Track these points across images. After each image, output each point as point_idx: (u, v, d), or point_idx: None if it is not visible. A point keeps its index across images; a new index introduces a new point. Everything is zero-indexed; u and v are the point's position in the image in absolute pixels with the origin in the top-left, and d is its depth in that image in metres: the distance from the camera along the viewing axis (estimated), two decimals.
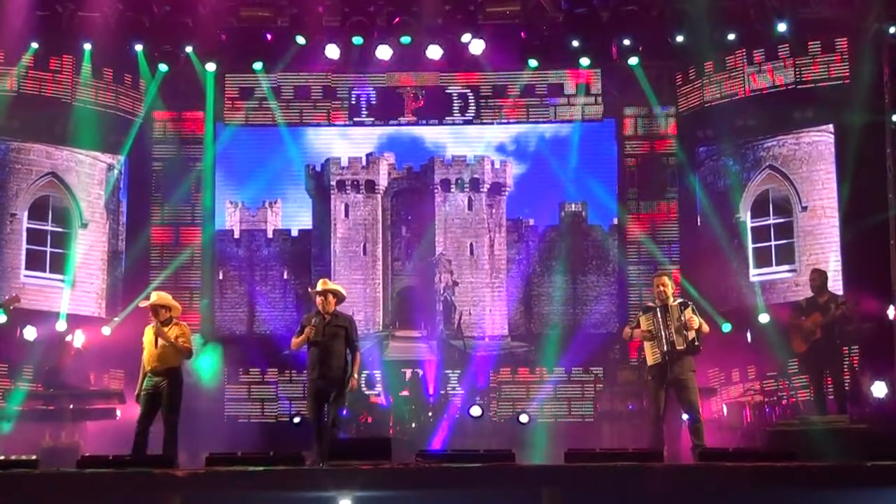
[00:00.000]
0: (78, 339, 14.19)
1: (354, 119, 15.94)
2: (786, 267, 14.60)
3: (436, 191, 15.95)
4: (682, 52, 14.74)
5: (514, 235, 15.92)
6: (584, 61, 15.07)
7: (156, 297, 10.62)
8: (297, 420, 14.01)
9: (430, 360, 15.36)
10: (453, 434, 13.61)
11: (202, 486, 7.87)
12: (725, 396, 14.27)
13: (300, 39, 14.48)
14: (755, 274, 14.70)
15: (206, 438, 12.59)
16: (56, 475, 8.31)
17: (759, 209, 14.87)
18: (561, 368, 15.21)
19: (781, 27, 13.85)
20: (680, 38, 14.39)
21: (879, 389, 12.35)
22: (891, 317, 12.78)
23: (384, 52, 14.77)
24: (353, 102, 15.88)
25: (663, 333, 10.60)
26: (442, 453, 10.25)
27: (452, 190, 15.94)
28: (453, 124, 15.97)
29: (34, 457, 9.00)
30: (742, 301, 14.59)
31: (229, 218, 15.90)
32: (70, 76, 14.81)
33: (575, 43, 14.71)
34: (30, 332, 13.96)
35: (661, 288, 10.79)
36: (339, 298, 10.61)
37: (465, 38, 14.48)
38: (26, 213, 14.75)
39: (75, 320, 14.44)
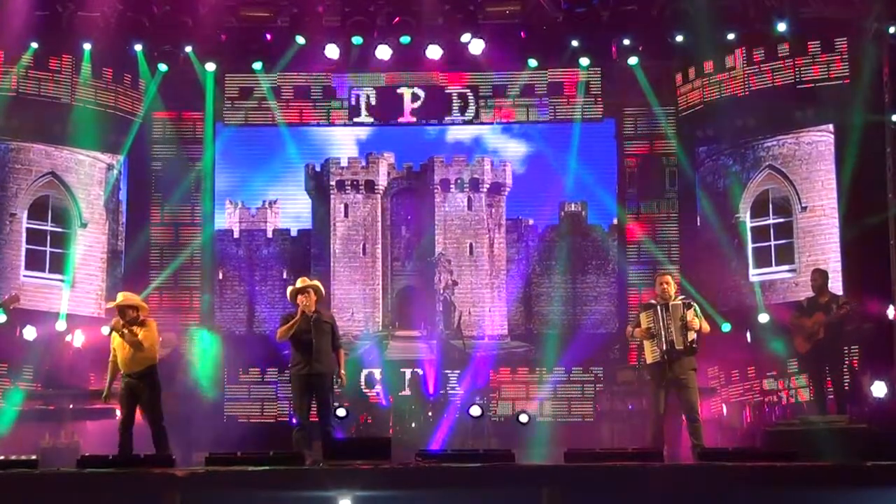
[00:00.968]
0: (78, 339, 14.19)
1: (354, 119, 15.94)
2: (785, 267, 14.60)
3: (435, 191, 15.94)
4: (682, 52, 14.73)
5: (513, 235, 15.92)
6: (584, 61, 15.07)
7: (122, 297, 10.73)
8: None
9: (430, 360, 15.35)
10: (453, 434, 13.60)
11: (202, 486, 7.87)
12: (725, 396, 14.27)
13: (300, 39, 14.48)
14: (755, 274, 14.70)
15: (206, 438, 12.61)
16: (56, 475, 8.31)
17: (758, 209, 14.86)
18: (561, 368, 15.20)
19: (781, 27, 13.83)
20: (680, 38, 14.38)
21: (879, 389, 12.34)
22: (891, 317, 12.78)
23: (384, 52, 14.77)
24: (353, 102, 15.88)
25: (663, 333, 10.60)
26: (442, 453, 10.25)
27: (452, 190, 15.94)
28: (453, 124, 15.97)
29: (34, 457, 9.01)
30: (742, 301, 14.59)
31: (229, 218, 15.90)
32: (70, 76, 14.80)
33: (575, 43, 14.71)
34: (29, 332, 13.95)
35: (664, 286, 10.79)
36: (320, 295, 10.66)
37: (465, 37, 14.47)
38: (26, 213, 14.75)
39: (75, 320, 14.43)
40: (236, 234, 15.91)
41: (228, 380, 15.27)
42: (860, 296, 12.71)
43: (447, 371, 15.26)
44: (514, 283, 15.76)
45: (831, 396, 12.21)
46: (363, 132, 16.02)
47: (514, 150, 15.91)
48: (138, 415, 10.57)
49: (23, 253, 14.63)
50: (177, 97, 15.51)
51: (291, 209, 15.97)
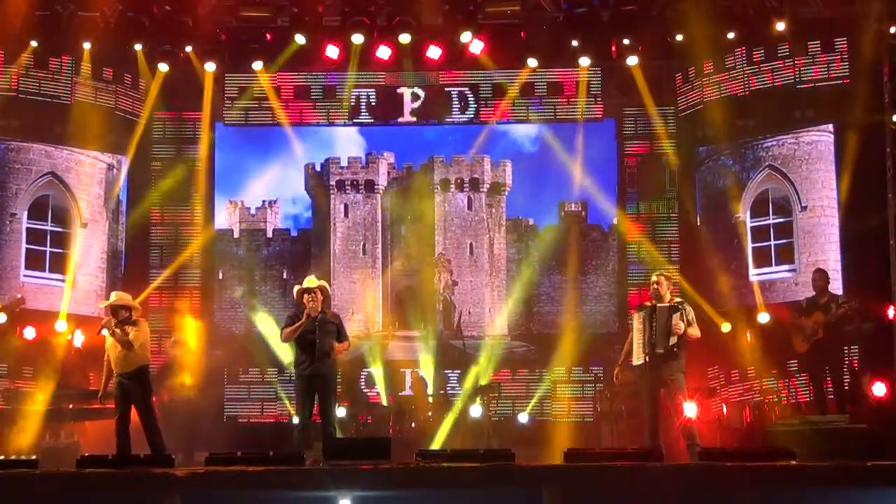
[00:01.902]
0: (78, 338, 14.18)
1: (354, 119, 15.94)
2: (785, 267, 14.60)
3: (435, 190, 15.95)
4: (682, 52, 14.73)
5: (513, 235, 15.93)
6: (584, 61, 15.07)
7: (114, 297, 10.79)
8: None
9: (430, 360, 15.36)
10: (453, 434, 13.60)
11: (202, 486, 7.87)
12: (725, 396, 14.26)
13: (300, 39, 14.48)
14: (755, 274, 14.70)
15: (206, 438, 12.60)
16: (56, 475, 8.30)
17: (758, 209, 14.86)
18: (561, 368, 15.21)
19: (781, 27, 13.83)
20: (680, 38, 14.38)
21: (879, 389, 12.34)
22: (891, 317, 12.78)
23: (384, 52, 14.77)
24: (353, 102, 15.88)
25: (646, 335, 10.62)
26: (442, 453, 10.24)
27: (452, 189, 15.94)
28: (453, 124, 15.97)
29: (34, 457, 9.00)
30: (742, 301, 14.57)
31: (229, 218, 15.91)
32: (70, 76, 14.81)
33: (575, 43, 14.71)
34: (30, 332, 13.95)
35: (655, 287, 10.85)
36: (326, 296, 10.70)
37: (465, 37, 14.47)
38: (26, 213, 14.75)
39: (75, 320, 14.42)
40: (236, 234, 15.91)
41: (228, 380, 15.28)
42: (860, 296, 12.70)
43: (447, 371, 15.26)
44: (514, 284, 15.77)
45: (831, 396, 12.21)
46: (363, 132, 16.02)
47: (515, 149, 15.91)
48: (134, 414, 10.61)
49: (23, 253, 14.63)
50: (177, 97, 15.51)
51: (291, 209, 15.98)
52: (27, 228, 14.73)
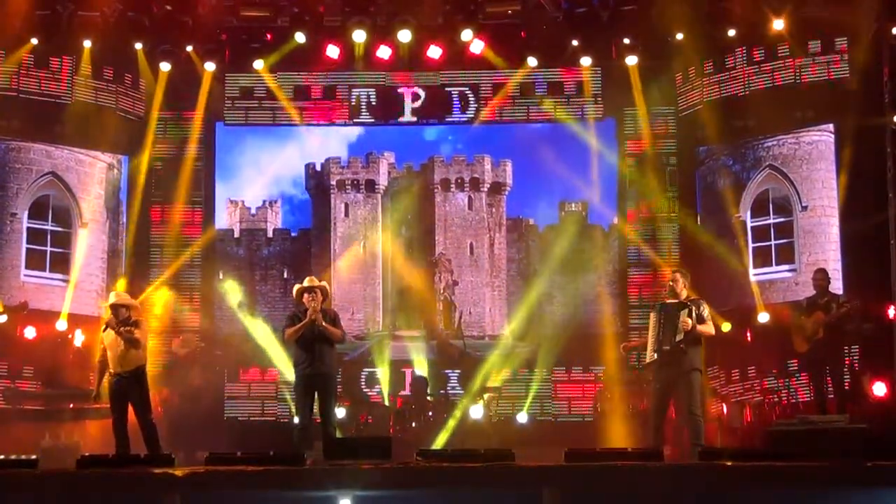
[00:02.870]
0: (78, 338, 14.18)
1: (354, 119, 15.94)
2: (785, 267, 14.60)
3: (436, 190, 15.95)
4: (682, 52, 14.73)
5: (514, 235, 15.93)
6: (585, 61, 15.07)
7: (114, 296, 10.76)
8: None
9: (430, 359, 15.36)
10: (453, 434, 13.60)
11: (202, 486, 7.86)
12: (725, 396, 14.26)
13: (300, 38, 14.47)
14: (755, 273, 14.70)
15: (206, 438, 12.60)
16: (56, 475, 8.30)
17: (758, 209, 14.86)
18: (561, 368, 15.21)
19: (781, 27, 13.83)
20: (680, 38, 14.37)
21: (879, 389, 12.34)
22: (891, 316, 12.78)
23: (384, 52, 14.78)
24: (353, 102, 15.88)
25: (656, 331, 10.64)
26: (442, 453, 10.23)
27: (452, 189, 15.94)
28: (453, 124, 15.97)
29: (34, 457, 8.99)
30: (742, 301, 14.57)
31: (229, 218, 15.91)
32: (70, 76, 14.81)
33: (575, 43, 14.72)
34: (30, 332, 13.95)
35: (671, 284, 10.83)
36: (326, 295, 10.69)
37: (465, 37, 14.47)
38: (26, 213, 14.75)
39: (75, 320, 14.43)
40: (236, 234, 15.92)
41: (228, 379, 15.28)
42: (860, 296, 12.69)
43: (447, 371, 15.27)
44: (514, 283, 15.77)
45: (831, 396, 12.20)
46: (363, 132, 16.02)
47: (515, 149, 15.91)
48: (130, 412, 10.61)
49: (23, 253, 14.63)
50: (177, 97, 15.51)
51: (292, 209, 15.99)
52: (28, 228, 14.73)
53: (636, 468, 8.24)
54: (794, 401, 13.36)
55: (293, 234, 15.97)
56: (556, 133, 15.76)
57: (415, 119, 15.94)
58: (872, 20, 13.29)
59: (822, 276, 12.44)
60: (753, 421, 13.19)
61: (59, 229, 14.94)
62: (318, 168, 15.99)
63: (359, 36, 14.41)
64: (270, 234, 15.92)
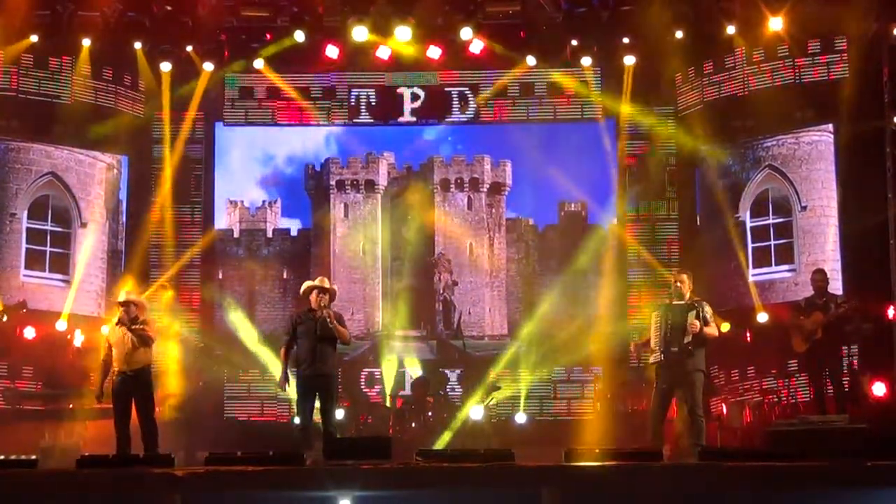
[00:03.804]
0: (78, 338, 14.18)
1: (354, 119, 15.94)
2: (785, 267, 14.60)
3: (435, 190, 15.95)
4: (682, 52, 14.73)
5: (513, 235, 15.93)
6: (585, 61, 15.07)
7: (125, 294, 10.74)
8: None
9: (430, 359, 15.36)
10: (453, 434, 13.60)
11: (202, 486, 7.86)
12: (725, 396, 14.26)
13: (300, 37, 14.47)
14: (754, 274, 14.69)
15: (206, 438, 12.61)
16: (56, 475, 8.30)
17: (758, 209, 14.86)
18: (561, 368, 15.21)
19: (781, 27, 13.83)
20: (680, 38, 14.37)
21: (879, 389, 12.34)
22: (891, 317, 12.78)
23: (384, 52, 14.78)
24: (353, 102, 15.88)
25: (662, 332, 10.61)
26: (442, 453, 10.24)
27: (452, 189, 15.94)
28: (453, 124, 15.97)
29: (34, 457, 9.00)
30: (742, 301, 14.57)
31: (229, 218, 15.91)
32: (70, 76, 14.80)
33: (575, 43, 14.72)
34: (30, 332, 13.95)
35: (678, 285, 10.81)
36: (333, 299, 10.68)
37: (465, 35, 14.46)
38: (26, 213, 14.75)
39: (75, 320, 14.42)
40: (236, 234, 15.92)
41: (228, 379, 15.27)
42: (860, 296, 12.70)
43: (447, 371, 15.27)
44: (514, 283, 15.77)
45: (831, 395, 12.20)
46: (363, 132, 16.02)
47: (515, 149, 15.90)
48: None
49: (23, 253, 14.63)
50: (177, 97, 15.49)
51: (291, 209, 15.99)
52: (27, 228, 14.73)
53: (636, 468, 8.25)
54: (793, 401, 13.36)
55: (293, 235, 15.97)
56: (556, 133, 15.75)
57: (415, 119, 15.94)
58: (872, 20, 13.28)
59: (820, 277, 12.44)
60: (753, 421, 13.19)
61: (59, 229, 14.93)
62: (318, 168, 15.99)
63: (360, 33, 14.36)
64: (270, 235, 15.92)
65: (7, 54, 14.22)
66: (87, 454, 9.66)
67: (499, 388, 14.66)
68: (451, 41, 14.76)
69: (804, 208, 14.43)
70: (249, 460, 8.32)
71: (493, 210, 15.94)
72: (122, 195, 15.48)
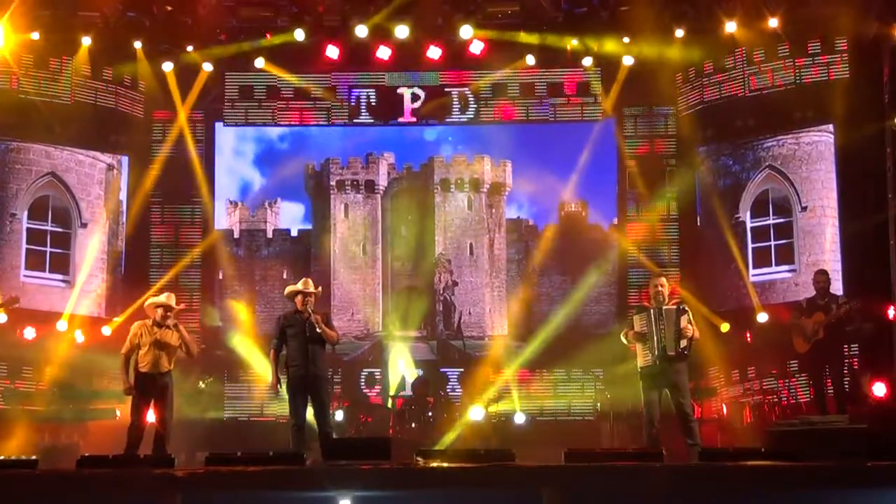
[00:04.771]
0: (78, 339, 14.18)
1: (354, 119, 15.94)
2: (785, 267, 14.60)
3: (435, 191, 15.95)
4: (682, 52, 14.73)
5: (513, 235, 15.94)
6: (585, 61, 15.08)
7: (166, 297, 10.58)
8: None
9: (430, 360, 15.36)
10: (453, 434, 13.59)
11: (202, 486, 7.85)
12: (725, 396, 14.26)
13: (299, 37, 14.47)
14: (754, 274, 14.70)
15: (206, 438, 12.60)
16: (56, 475, 8.30)
17: (758, 209, 14.86)
18: (561, 368, 15.21)
19: (781, 27, 13.83)
20: (680, 38, 14.38)
21: (879, 389, 12.34)
22: (891, 317, 12.78)
23: (384, 52, 14.78)
24: (353, 102, 15.88)
25: (655, 337, 10.53)
26: (442, 453, 10.23)
27: (452, 190, 15.94)
28: (453, 124, 15.97)
29: (34, 457, 9.00)
30: (742, 301, 14.58)
31: (229, 218, 15.92)
32: (70, 76, 14.80)
33: (575, 42, 14.72)
34: (30, 332, 13.95)
35: (659, 289, 10.69)
36: (317, 300, 10.66)
37: (465, 34, 14.46)
38: (26, 213, 14.75)
39: (76, 320, 14.43)
40: (236, 234, 15.93)
41: (228, 380, 15.27)
42: (860, 296, 12.69)
43: (447, 371, 15.27)
44: (514, 284, 15.77)
45: (831, 394, 12.20)
46: (363, 132, 16.02)
47: (514, 149, 15.90)
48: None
49: (23, 253, 14.63)
50: (177, 97, 15.49)
51: (291, 209, 16.00)
52: (27, 228, 14.73)
53: (636, 468, 8.24)
54: (793, 401, 13.37)
55: (293, 235, 15.97)
56: (556, 133, 15.75)
57: (415, 119, 15.94)
58: (872, 20, 13.28)
59: (823, 278, 12.43)
60: (753, 421, 13.19)
61: (59, 230, 14.94)
62: (318, 168, 16.00)
63: (359, 36, 14.37)
64: (270, 235, 15.93)
65: (6, 50, 14.21)
66: (87, 454, 9.66)
67: (509, 392, 14.66)
68: (450, 41, 14.76)
69: (804, 208, 14.43)
70: (249, 460, 8.32)
71: (494, 210, 15.94)
72: (122, 196, 15.47)
